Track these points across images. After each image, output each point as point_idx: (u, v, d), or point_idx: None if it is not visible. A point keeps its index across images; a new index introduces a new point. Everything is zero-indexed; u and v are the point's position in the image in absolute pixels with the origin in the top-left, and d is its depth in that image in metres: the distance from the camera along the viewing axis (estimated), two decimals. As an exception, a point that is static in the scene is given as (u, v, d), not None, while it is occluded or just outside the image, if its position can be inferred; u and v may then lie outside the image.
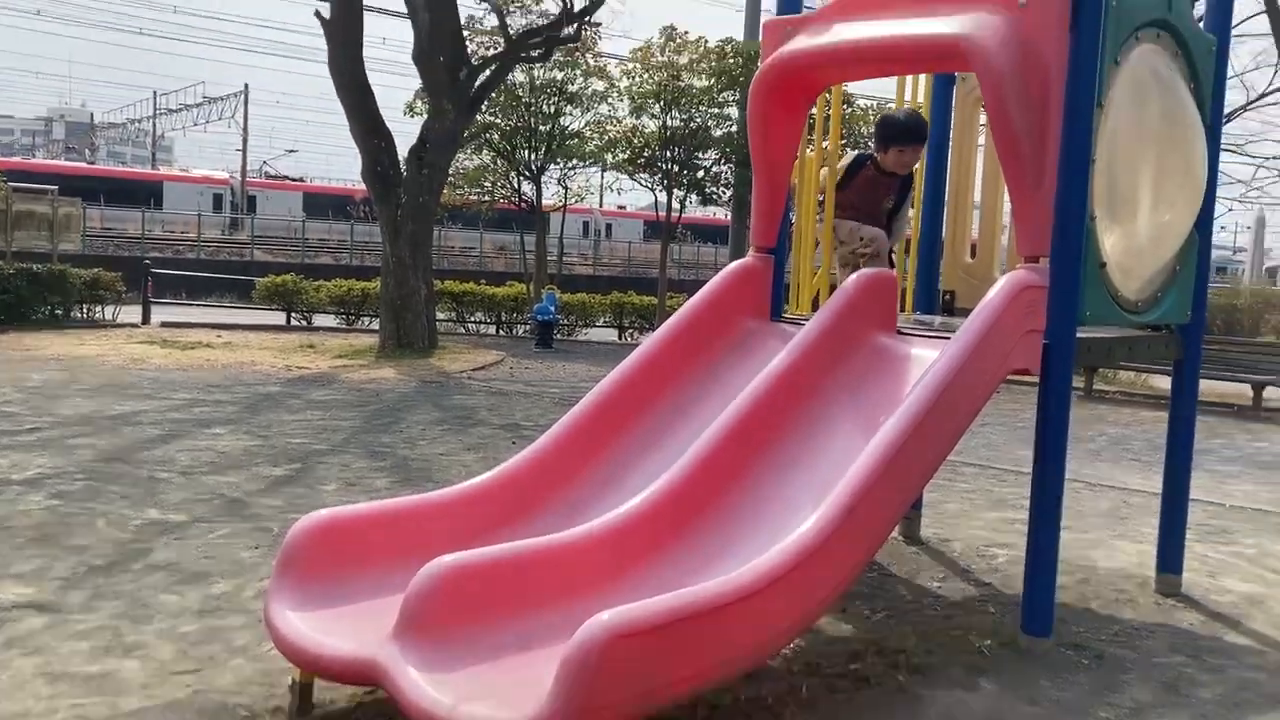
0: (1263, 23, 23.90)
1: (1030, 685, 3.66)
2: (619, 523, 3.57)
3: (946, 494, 6.90)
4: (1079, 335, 4.05)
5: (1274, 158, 26.99)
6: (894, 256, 5.39)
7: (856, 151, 5.21)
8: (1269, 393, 13.90)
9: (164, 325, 18.12)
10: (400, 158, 15.41)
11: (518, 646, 3.05)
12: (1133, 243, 4.28)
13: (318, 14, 14.96)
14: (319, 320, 20.39)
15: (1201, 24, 4.88)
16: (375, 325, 17.87)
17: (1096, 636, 4.20)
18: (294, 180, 52.06)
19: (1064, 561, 4.97)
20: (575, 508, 3.99)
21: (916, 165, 5.23)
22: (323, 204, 46.29)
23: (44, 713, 3.10)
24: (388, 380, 12.17)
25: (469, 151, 22.06)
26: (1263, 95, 23.27)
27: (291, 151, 61.82)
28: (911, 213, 5.48)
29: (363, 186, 16.89)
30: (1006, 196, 5.47)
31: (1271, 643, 4.30)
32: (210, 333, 17.09)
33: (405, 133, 15.60)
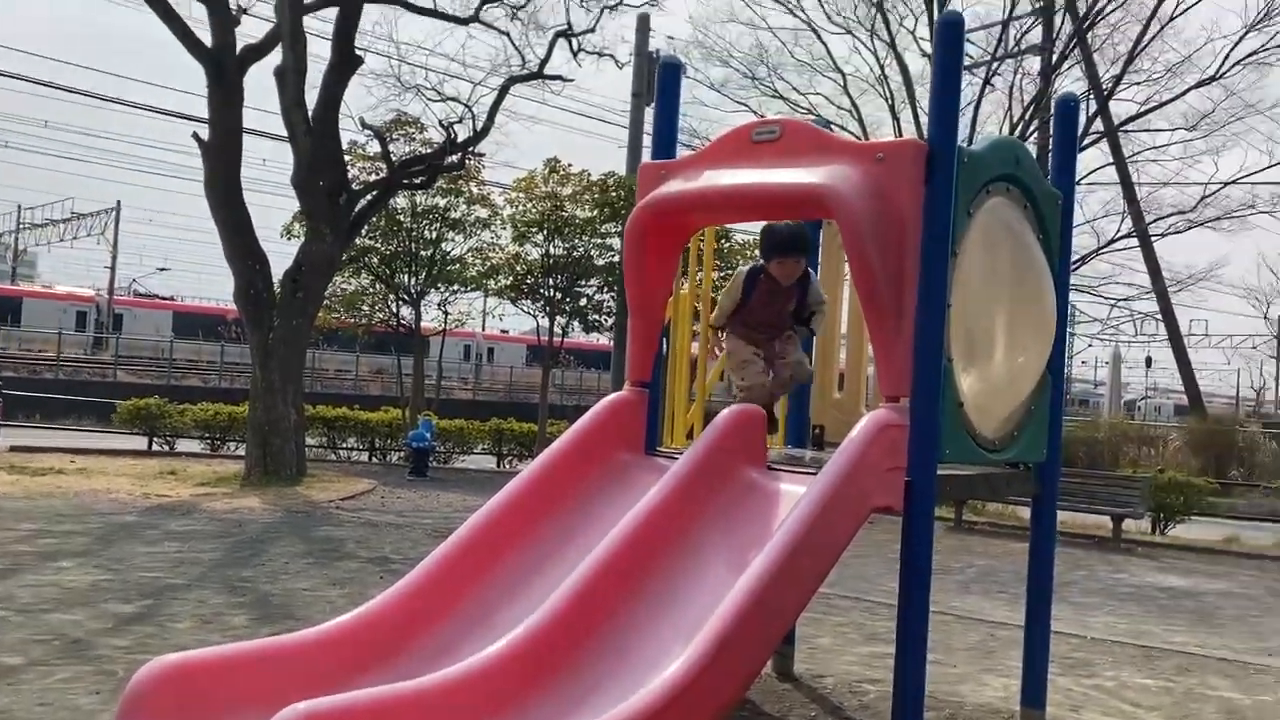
0: (1112, 173, 25.76)
1: (900, 828, 3.63)
2: (486, 665, 3.46)
3: (820, 628, 6.92)
4: (940, 472, 4.16)
5: (1125, 299, 28.70)
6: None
7: (750, 264, 5.00)
8: (1128, 524, 14.48)
9: (13, 450, 17.21)
10: (275, 280, 15.21)
11: None
12: (988, 384, 4.46)
13: (195, 136, 14.87)
14: (183, 445, 19.67)
15: (1049, 179, 5.20)
16: (242, 451, 17.31)
17: (964, 775, 4.21)
18: (164, 299, 50.80)
19: (932, 696, 5.02)
20: (443, 649, 3.87)
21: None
22: (193, 324, 45.15)
23: None
24: (252, 510, 11.74)
25: (347, 275, 21.92)
26: (1112, 241, 24.92)
27: (163, 269, 60.34)
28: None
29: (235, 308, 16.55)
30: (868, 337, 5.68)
31: (1131, 777, 4.38)
32: (64, 457, 16.29)
33: (282, 253, 15.51)
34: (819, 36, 23.63)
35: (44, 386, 28.73)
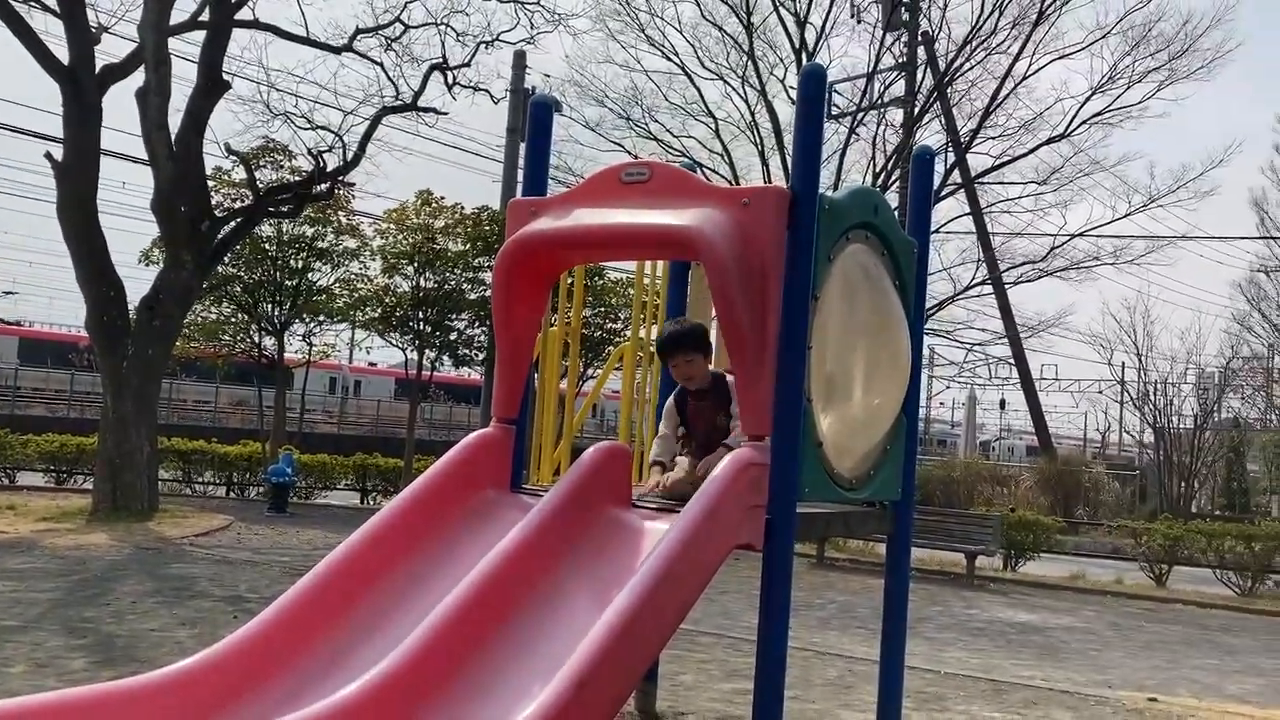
0: (969, 223, 26.87)
1: None
2: (340, 708, 3.37)
3: (683, 665, 6.96)
4: (800, 510, 4.25)
5: (980, 344, 29.89)
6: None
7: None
8: (981, 560, 15.00)
9: None
10: (131, 308, 14.63)
11: None
12: (846, 424, 4.58)
13: (48, 156, 14.26)
14: (25, 478, 18.66)
15: (906, 227, 5.40)
16: (90, 485, 16.52)
17: (819, 810, 4.28)
18: (10, 323, 48.27)
19: (790, 733, 5.09)
20: (296, 691, 3.75)
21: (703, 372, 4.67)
22: (41, 350, 42.99)
23: None
24: (98, 547, 11.20)
25: (207, 303, 21.25)
26: (968, 287, 25.93)
27: (10, 293, 57.41)
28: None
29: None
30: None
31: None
32: (-110, 490, 15.29)
33: (140, 279, 14.97)
34: (692, 81, 24.08)
35: None
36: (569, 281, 5.78)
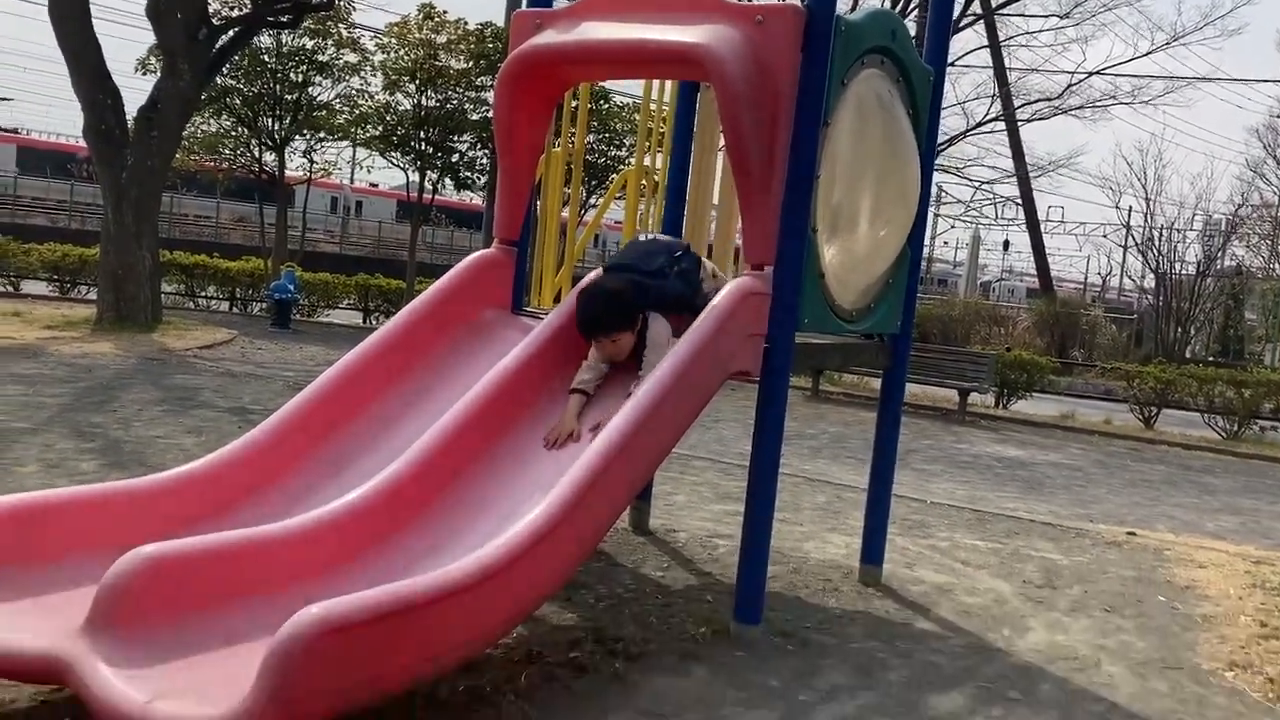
0: (985, 57, 26.15)
1: (739, 671, 3.84)
2: (341, 512, 3.48)
3: (677, 486, 7.14)
4: (798, 340, 4.28)
5: (988, 182, 29.51)
6: None
7: None
8: (973, 398, 15.21)
9: None
10: (129, 117, 14.36)
11: (224, 640, 2.92)
12: (850, 256, 4.57)
13: (38, -47, 13.71)
14: (29, 287, 18.73)
15: (923, 56, 5.25)
16: (93, 295, 16.59)
17: (802, 624, 4.46)
18: (7, 131, 47.48)
19: (778, 552, 5.27)
20: (299, 495, 3.86)
21: (625, 346, 4.03)
22: (40, 160, 42.45)
23: None
24: (104, 355, 11.33)
25: (206, 115, 20.85)
26: (980, 123, 25.46)
27: (5, 100, 56.23)
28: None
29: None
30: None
31: (954, 629, 4.71)
32: (-105, 294, 15.36)
33: (137, 89, 14.61)
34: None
35: None
36: (574, 104, 5.66)
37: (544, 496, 3.33)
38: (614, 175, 21.48)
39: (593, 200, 21.22)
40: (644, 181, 5.96)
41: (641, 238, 4.68)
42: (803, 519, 6.58)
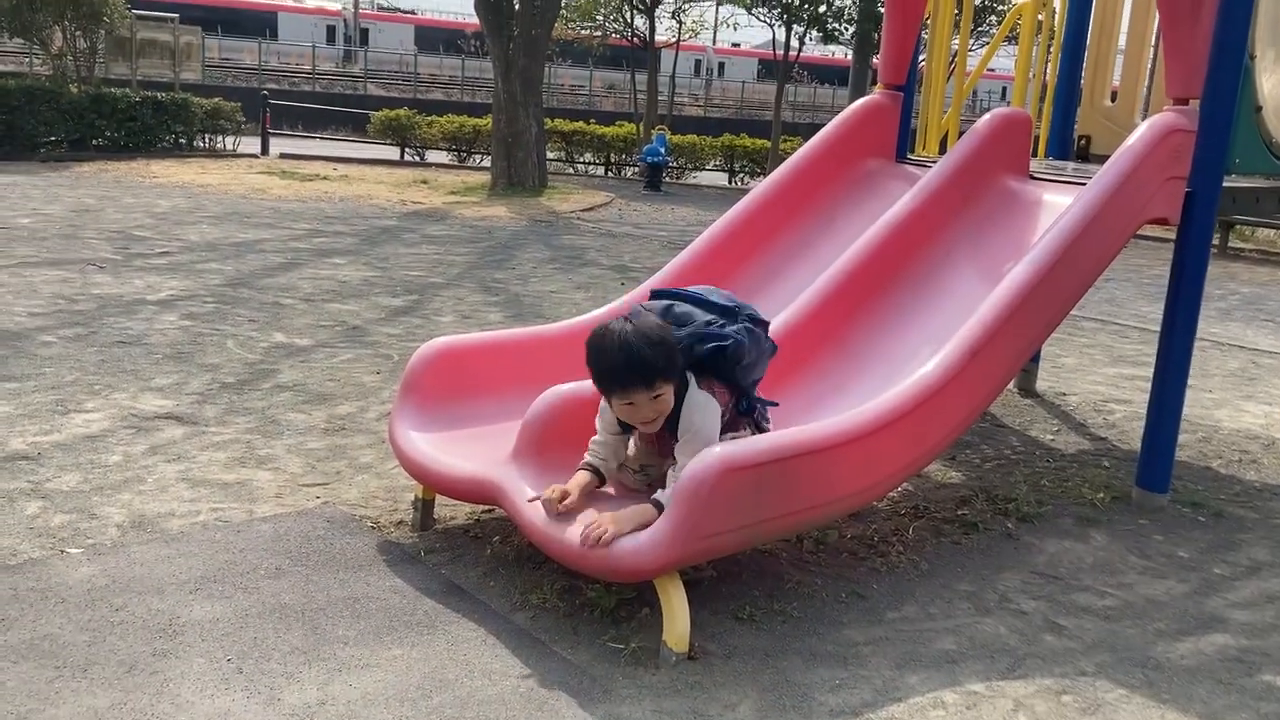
0: None
1: (1143, 539, 3.62)
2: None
3: (1065, 348, 6.74)
4: (1225, 185, 3.83)
5: None
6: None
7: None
8: None
9: (282, 156, 18.44)
10: (515, -11, 15.13)
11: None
12: (1294, 85, 3.99)
13: None
14: (432, 156, 20.51)
15: None
16: (486, 163, 17.90)
17: (1215, 495, 4.11)
18: (406, 12, 51.61)
19: (1185, 419, 4.85)
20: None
21: (665, 408, 2.77)
22: (435, 38, 45.93)
23: (187, 514, 3.30)
24: (499, 218, 12.25)
25: (582, -17, 21.55)
26: None
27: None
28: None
29: (475, 21, 16.64)
30: (1152, 40, 5.14)
31: (1402, 510, 4.16)
32: (327, 165, 17.35)
33: (519, -38, 15.24)
34: None
35: (303, 98, 30.23)
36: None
37: (934, 350, 3.24)
38: (992, 17, 20.05)
39: (974, 45, 19.97)
40: (1040, 14, 5.49)
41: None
42: (1212, 385, 6.01)
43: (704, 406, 2.80)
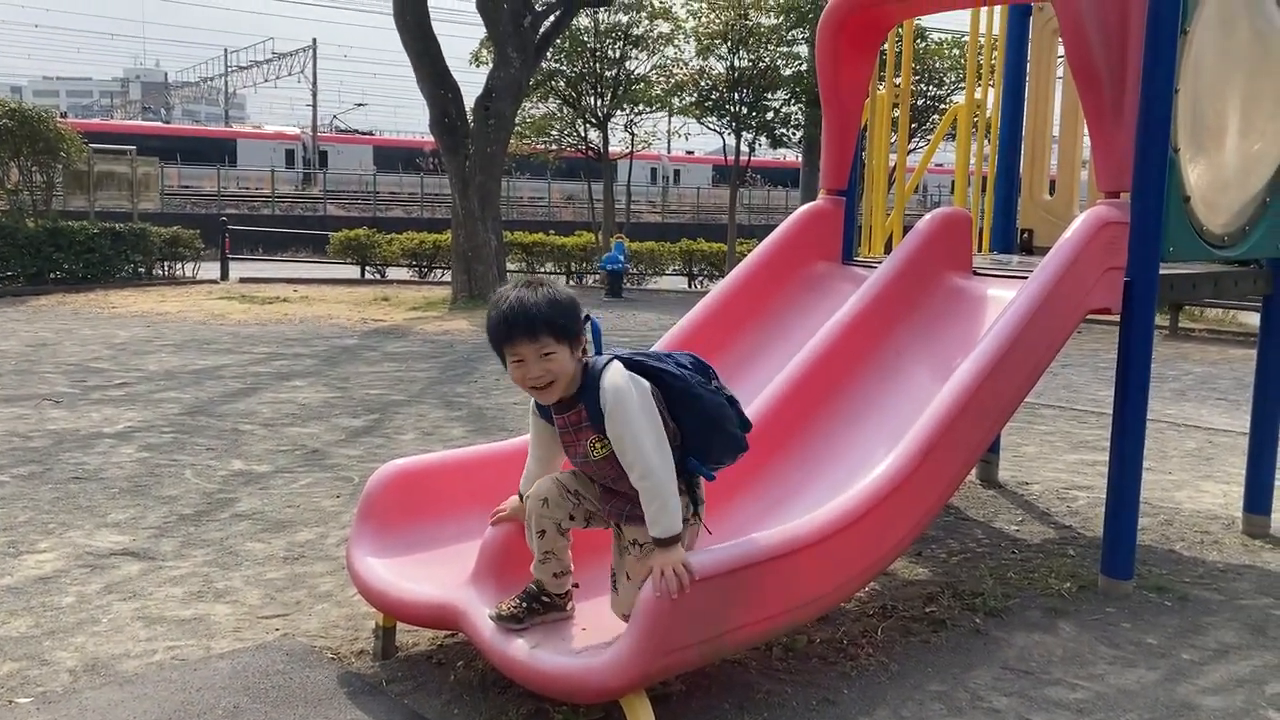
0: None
1: (1111, 628, 3.61)
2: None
3: (1025, 436, 6.80)
4: (1162, 272, 3.93)
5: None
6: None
7: None
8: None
9: (242, 281, 18.49)
10: (467, 108, 15.44)
11: (596, 593, 3.08)
12: (1219, 175, 4.13)
13: (382, -34, 14.95)
14: (392, 273, 20.64)
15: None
16: (448, 277, 18.04)
17: (1180, 579, 4.12)
18: (364, 134, 52.48)
19: (1146, 503, 4.89)
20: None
21: (558, 370, 2.66)
22: (393, 157, 46.68)
23: (143, 654, 3.22)
24: (461, 331, 12.30)
25: (534, 100, 22.06)
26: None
27: (360, 105, 62.17)
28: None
29: (431, 138, 16.96)
30: (1084, 133, 5.33)
31: (1365, 584, 4.18)
32: (287, 287, 17.41)
33: (472, 82, 15.64)
34: None
35: (262, 222, 30.48)
36: (898, 46, 5.46)
37: (890, 449, 3.26)
38: (936, 116, 20.68)
39: (914, 144, 20.54)
40: (975, 116, 5.68)
41: None
42: (1171, 466, 6.07)
43: (623, 393, 2.62)
